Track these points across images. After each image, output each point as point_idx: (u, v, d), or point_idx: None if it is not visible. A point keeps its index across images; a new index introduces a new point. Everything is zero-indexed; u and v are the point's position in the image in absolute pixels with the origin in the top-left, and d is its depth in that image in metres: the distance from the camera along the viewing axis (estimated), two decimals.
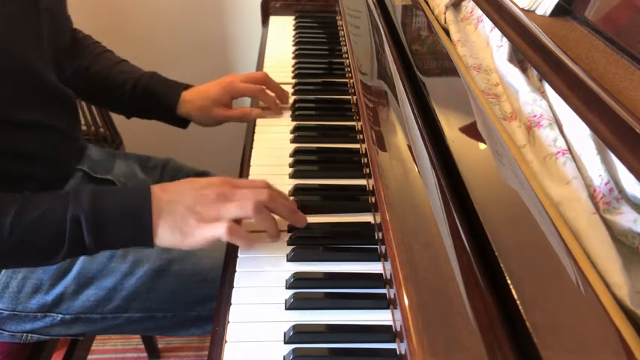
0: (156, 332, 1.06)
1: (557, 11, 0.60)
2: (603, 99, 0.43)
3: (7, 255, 0.63)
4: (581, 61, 0.49)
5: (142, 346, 1.45)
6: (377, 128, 0.69)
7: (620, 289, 0.37)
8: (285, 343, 0.55)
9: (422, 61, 0.74)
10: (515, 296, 0.39)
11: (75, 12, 1.37)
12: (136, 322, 0.82)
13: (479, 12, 0.73)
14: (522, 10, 0.62)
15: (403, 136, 0.63)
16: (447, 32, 0.76)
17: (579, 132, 0.48)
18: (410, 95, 0.67)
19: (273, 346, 0.55)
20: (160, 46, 1.64)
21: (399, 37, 0.82)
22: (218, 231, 0.61)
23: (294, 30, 1.30)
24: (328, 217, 0.71)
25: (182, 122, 0.97)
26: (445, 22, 0.78)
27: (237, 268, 0.64)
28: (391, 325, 0.56)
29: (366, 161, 0.77)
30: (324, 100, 1.00)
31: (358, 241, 0.67)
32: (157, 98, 0.94)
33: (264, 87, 0.94)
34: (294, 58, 1.17)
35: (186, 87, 0.95)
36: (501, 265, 0.41)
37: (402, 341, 0.48)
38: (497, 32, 0.66)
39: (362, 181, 0.78)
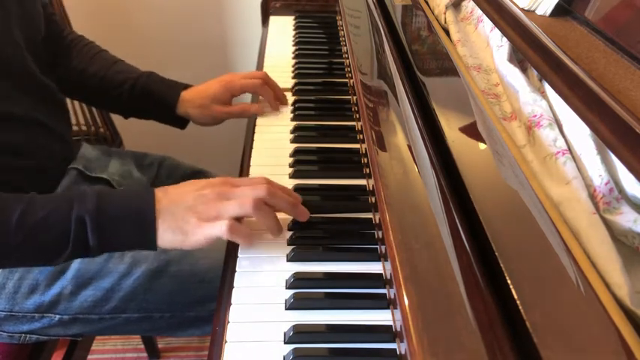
0: (154, 333, 1.06)
1: (557, 11, 0.60)
2: (603, 99, 0.43)
3: (12, 254, 0.63)
4: (581, 61, 0.49)
5: (142, 346, 1.45)
6: (377, 128, 0.69)
7: (620, 289, 0.37)
8: (285, 343, 0.55)
9: (422, 61, 0.74)
10: (515, 296, 0.39)
11: (76, 12, 1.38)
12: (134, 323, 0.82)
13: (479, 12, 0.73)
14: (522, 10, 0.62)
15: (403, 136, 0.63)
16: (447, 32, 0.76)
17: (579, 132, 0.48)
18: (410, 95, 0.67)
19: (273, 346, 0.55)
20: (160, 46, 1.64)
21: (399, 37, 0.82)
22: (219, 229, 0.61)
23: (294, 30, 1.30)
24: (328, 217, 0.71)
25: (181, 122, 0.97)
26: (445, 22, 0.78)
27: (237, 268, 0.64)
28: (391, 325, 0.56)
29: (366, 161, 0.77)
30: (324, 100, 1.00)
31: (358, 241, 0.67)
32: (155, 98, 0.94)
33: (263, 82, 0.95)
34: (294, 58, 1.17)
35: (186, 87, 0.95)
36: (501, 265, 0.41)
37: (402, 341, 0.48)
38: (497, 32, 0.66)
39: (362, 181, 0.78)
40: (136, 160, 1.04)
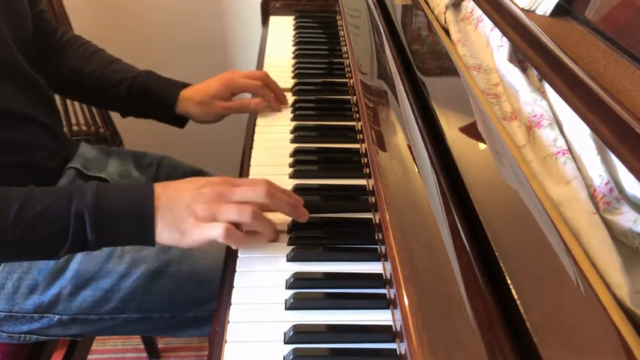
0: (154, 333, 1.06)
1: (557, 11, 0.60)
2: (603, 99, 0.43)
3: (10, 248, 0.63)
4: (581, 61, 0.49)
5: (142, 346, 1.45)
6: (377, 128, 0.69)
7: (620, 289, 0.37)
8: (285, 343, 0.55)
9: (422, 61, 0.74)
10: (515, 296, 0.39)
11: (76, 12, 1.38)
12: (134, 323, 0.82)
13: (479, 12, 0.73)
14: (522, 10, 0.62)
15: (403, 136, 0.63)
16: (447, 32, 0.76)
17: (579, 132, 0.48)
18: (410, 95, 0.67)
19: (273, 346, 0.55)
20: (159, 46, 1.64)
21: (399, 37, 0.82)
22: (215, 232, 0.61)
23: (294, 30, 1.30)
24: (328, 217, 0.71)
25: (179, 121, 0.97)
26: (445, 22, 0.77)
27: (237, 268, 0.64)
28: (391, 325, 0.56)
29: (366, 161, 0.77)
30: (324, 100, 1.00)
31: (358, 241, 0.67)
32: (153, 97, 0.94)
33: (263, 83, 0.95)
34: (294, 58, 1.17)
35: (184, 85, 0.95)
36: (501, 265, 0.41)
37: (402, 341, 0.48)
38: (497, 32, 0.66)
39: (362, 181, 0.78)
40: (135, 159, 1.04)
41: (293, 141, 0.88)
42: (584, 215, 0.42)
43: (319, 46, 1.22)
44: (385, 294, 0.59)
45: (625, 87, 0.44)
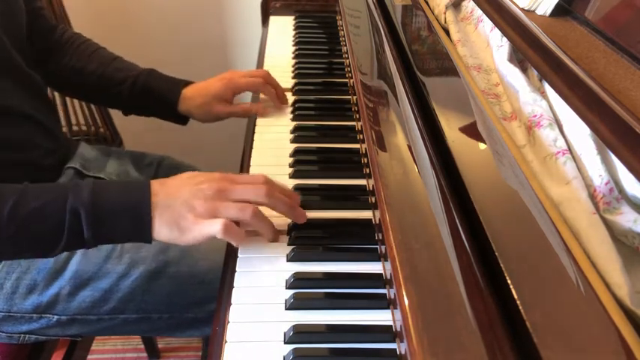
0: (153, 333, 1.06)
1: (557, 11, 0.60)
2: (603, 99, 0.43)
3: (5, 245, 0.63)
4: (581, 61, 0.49)
5: (142, 346, 1.45)
6: (377, 128, 0.69)
7: (620, 289, 0.37)
8: (285, 343, 0.55)
9: (422, 61, 0.74)
10: (515, 296, 0.39)
11: (76, 12, 1.38)
12: (133, 324, 0.82)
13: (479, 12, 0.73)
14: (522, 10, 0.62)
15: (403, 136, 0.63)
16: (447, 32, 0.76)
17: (579, 132, 0.48)
18: (410, 95, 0.67)
19: (273, 346, 0.55)
20: (160, 45, 1.64)
21: (399, 37, 0.82)
22: (214, 228, 0.61)
23: (294, 30, 1.30)
24: (328, 217, 0.71)
25: (182, 119, 0.97)
26: (445, 22, 0.77)
27: (237, 268, 0.64)
28: (391, 325, 0.56)
29: (366, 161, 0.77)
30: (324, 100, 1.00)
31: (358, 241, 0.67)
32: (156, 96, 0.94)
33: (264, 80, 0.94)
34: (294, 58, 1.17)
35: (186, 84, 0.95)
36: (501, 265, 0.41)
37: (402, 341, 0.48)
38: (497, 32, 0.66)
39: (362, 181, 0.78)
40: (135, 159, 1.04)
41: (293, 141, 0.88)
42: (584, 215, 0.42)
43: (319, 46, 1.22)
44: (385, 294, 0.59)
45: (625, 87, 0.44)
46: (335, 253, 0.65)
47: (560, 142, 0.49)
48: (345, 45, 1.04)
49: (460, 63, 0.66)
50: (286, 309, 0.59)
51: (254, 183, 0.65)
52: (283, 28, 1.31)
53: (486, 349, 0.38)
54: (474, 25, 0.74)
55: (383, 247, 0.61)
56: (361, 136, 0.81)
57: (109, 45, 1.02)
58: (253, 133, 0.90)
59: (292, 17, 1.36)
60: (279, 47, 1.21)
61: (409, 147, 0.60)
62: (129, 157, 1.04)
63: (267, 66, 1.14)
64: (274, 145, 0.87)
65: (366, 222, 0.69)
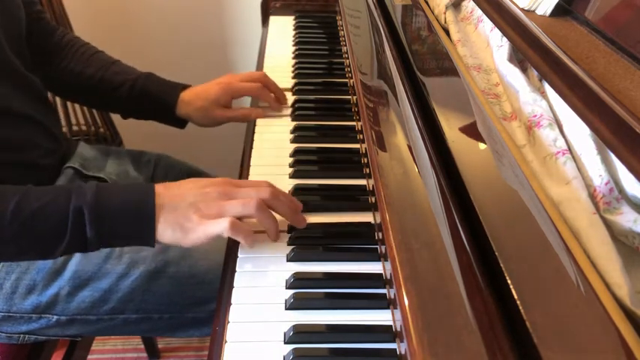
0: (153, 333, 1.06)
1: (557, 11, 0.60)
2: (603, 99, 0.43)
3: (8, 245, 0.63)
4: (581, 61, 0.49)
5: (142, 346, 1.45)
6: (377, 128, 0.69)
7: (620, 289, 0.37)
8: (285, 343, 0.55)
9: (422, 61, 0.74)
10: (515, 296, 0.39)
11: (77, 12, 1.38)
12: (133, 324, 0.82)
13: (479, 12, 0.73)
14: (522, 10, 0.62)
15: (403, 136, 0.63)
16: (447, 32, 0.76)
17: (579, 132, 0.48)
18: (410, 95, 0.67)
19: (273, 346, 0.55)
20: (160, 46, 1.64)
21: (399, 37, 0.82)
22: (220, 227, 0.61)
23: (294, 30, 1.30)
24: (328, 217, 0.71)
25: (180, 122, 0.97)
26: (445, 22, 0.77)
27: (237, 268, 0.64)
28: (391, 325, 0.56)
29: (366, 161, 0.77)
30: (324, 100, 1.00)
31: (358, 241, 0.67)
32: (154, 100, 0.94)
33: (262, 85, 0.95)
34: (294, 58, 1.17)
35: (185, 87, 0.95)
36: (501, 265, 0.41)
37: (402, 341, 0.48)
38: (497, 32, 0.66)
39: (362, 181, 0.78)
40: (133, 158, 1.04)
41: (293, 141, 0.88)
42: (584, 215, 0.42)
43: (319, 46, 1.22)
44: (385, 294, 0.59)
45: (625, 87, 0.44)
46: (335, 253, 0.65)
47: (560, 142, 0.49)
48: (345, 45, 1.04)
49: (460, 63, 0.66)
50: (286, 309, 0.59)
51: (258, 185, 0.65)
52: (283, 28, 1.31)
53: (486, 349, 0.38)
54: (474, 25, 0.74)
55: (383, 247, 0.61)
56: (361, 136, 0.81)
57: (108, 45, 1.02)
58: (253, 133, 0.90)
59: (292, 17, 1.36)
60: (279, 47, 1.21)
61: (409, 147, 0.60)
62: (128, 156, 1.04)
63: (267, 66, 1.14)
64: (274, 145, 0.87)
65: (366, 222, 0.69)
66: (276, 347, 0.55)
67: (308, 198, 0.73)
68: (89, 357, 1.09)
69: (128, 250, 0.81)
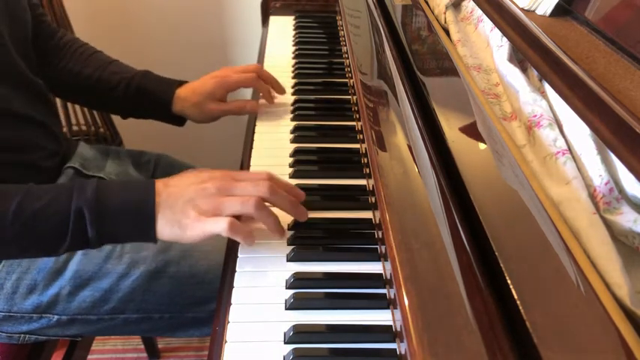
0: (153, 333, 1.06)
1: (557, 11, 0.60)
2: (603, 99, 0.43)
3: (11, 244, 0.63)
4: (581, 61, 0.49)
5: (142, 346, 1.45)
6: (377, 128, 0.69)
7: (620, 289, 0.37)
8: (285, 343, 0.55)
9: (422, 61, 0.74)
10: (515, 296, 0.39)
11: (77, 12, 1.38)
12: (133, 324, 0.82)
13: (479, 12, 0.73)
14: (522, 10, 0.62)
15: (403, 136, 0.63)
16: (447, 32, 0.76)
17: (579, 132, 0.48)
18: (410, 95, 0.67)
19: (273, 346, 0.55)
20: (159, 46, 1.64)
21: (399, 37, 0.82)
22: (219, 226, 0.61)
23: (294, 30, 1.30)
24: (328, 217, 0.71)
25: (179, 120, 0.97)
26: (445, 22, 0.78)
27: (237, 268, 0.64)
28: (391, 325, 0.56)
29: (366, 161, 0.77)
30: (324, 100, 1.00)
31: (358, 241, 0.67)
32: (150, 96, 0.93)
33: (256, 75, 0.94)
34: (294, 58, 1.17)
35: (180, 83, 0.95)
36: (501, 265, 0.41)
37: (402, 341, 0.48)
38: (497, 32, 0.66)
39: (362, 181, 0.78)
40: (133, 158, 1.04)
41: (293, 141, 0.88)
42: (584, 215, 0.42)
43: (319, 46, 1.22)
44: (385, 294, 0.59)
45: (625, 87, 0.44)
46: (335, 253, 0.65)
47: (560, 142, 0.49)
48: (345, 45, 1.04)
49: (460, 63, 0.66)
50: (286, 309, 0.59)
51: (257, 179, 0.65)
52: (283, 28, 1.31)
53: (486, 349, 0.38)
54: (474, 25, 0.74)
55: (383, 247, 0.61)
56: (361, 136, 0.81)
57: (108, 45, 1.02)
58: (253, 133, 0.90)
59: (292, 17, 1.36)
60: (279, 47, 1.21)
61: (409, 147, 0.60)
62: (128, 156, 1.04)
63: (267, 66, 1.14)
64: (274, 145, 0.87)
65: (366, 222, 0.69)
66: (276, 347, 0.55)
67: (308, 198, 0.73)
68: (89, 357, 1.09)
69: (129, 250, 0.81)
